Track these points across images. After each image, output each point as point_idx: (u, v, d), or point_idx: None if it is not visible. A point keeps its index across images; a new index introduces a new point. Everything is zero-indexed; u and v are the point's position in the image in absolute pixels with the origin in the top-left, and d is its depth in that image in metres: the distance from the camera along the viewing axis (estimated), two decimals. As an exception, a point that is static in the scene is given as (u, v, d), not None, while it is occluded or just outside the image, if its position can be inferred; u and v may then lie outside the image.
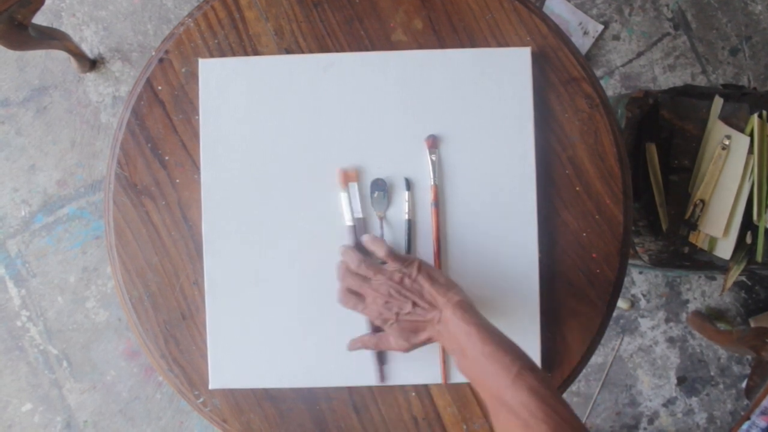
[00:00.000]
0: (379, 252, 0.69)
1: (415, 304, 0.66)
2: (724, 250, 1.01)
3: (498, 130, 0.77)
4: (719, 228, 1.00)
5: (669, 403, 1.46)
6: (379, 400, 0.77)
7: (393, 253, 0.69)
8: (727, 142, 0.99)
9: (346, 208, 0.76)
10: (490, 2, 0.79)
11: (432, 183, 0.76)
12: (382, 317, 0.68)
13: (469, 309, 0.64)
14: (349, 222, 0.76)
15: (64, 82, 1.46)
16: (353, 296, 0.70)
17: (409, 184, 0.76)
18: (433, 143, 0.76)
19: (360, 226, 0.76)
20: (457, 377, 0.76)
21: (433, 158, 0.76)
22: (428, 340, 0.67)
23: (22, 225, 1.45)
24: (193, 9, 0.80)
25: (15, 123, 1.45)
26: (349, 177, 0.76)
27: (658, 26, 1.48)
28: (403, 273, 0.67)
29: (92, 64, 1.45)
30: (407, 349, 0.68)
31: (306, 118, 0.77)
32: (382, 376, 0.76)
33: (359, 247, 0.73)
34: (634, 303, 1.46)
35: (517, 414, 0.57)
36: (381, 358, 0.76)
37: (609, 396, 1.46)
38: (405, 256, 0.69)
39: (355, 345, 0.73)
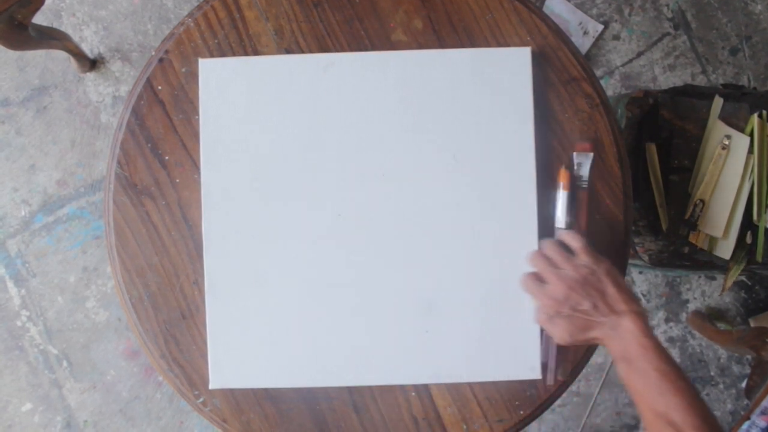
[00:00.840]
0: (574, 243, 0.70)
1: (594, 305, 0.66)
2: (724, 250, 1.01)
3: (498, 130, 0.77)
4: (719, 228, 1.00)
5: (669, 403, 1.46)
6: (379, 400, 0.77)
7: (587, 248, 0.69)
8: (727, 142, 0.99)
9: (561, 208, 0.75)
10: (490, 2, 0.79)
11: (585, 186, 0.76)
12: (557, 307, 0.68)
13: (647, 323, 0.65)
14: (560, 224, 0.75)
15: (64, 82, 1.46)
16: (535, 280, 0.71)
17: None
18: (589, 147, 0.75)
19: (569, 226, 0.75)
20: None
21: (581, 161, 0.75)
22: (593, 341, 0.68)
23: (22, 225, 1.45)
24: (193, 9, 0.80)
25: (15, 123, 1.45)
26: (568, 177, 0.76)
27: (658, 26, 1.48)
28: (591, 269, 0.67)
29: (92, 64, 1.45)
30: (567, 344, 0.69)
31: (306, 117, 0.77)
32: (555, 376, 0.75)
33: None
34: (634, 303, 1.46)
35: None
36: (558, 357, 0.75)
37: (609, 396, 1.46)
38: (597, 255, 0.69)
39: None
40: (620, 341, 0.65)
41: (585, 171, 0.76)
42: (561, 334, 0.68)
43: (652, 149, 1.01)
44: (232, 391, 0.77)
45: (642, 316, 0.65)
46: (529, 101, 0.77)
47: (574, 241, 0.70)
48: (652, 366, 0.62)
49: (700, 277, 1.46)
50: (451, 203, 0.77)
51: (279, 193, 0.77)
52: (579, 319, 0.67)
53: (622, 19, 1.48)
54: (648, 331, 0.64)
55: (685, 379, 0.62)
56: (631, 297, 0.67)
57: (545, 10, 1.46)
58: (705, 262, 1.02)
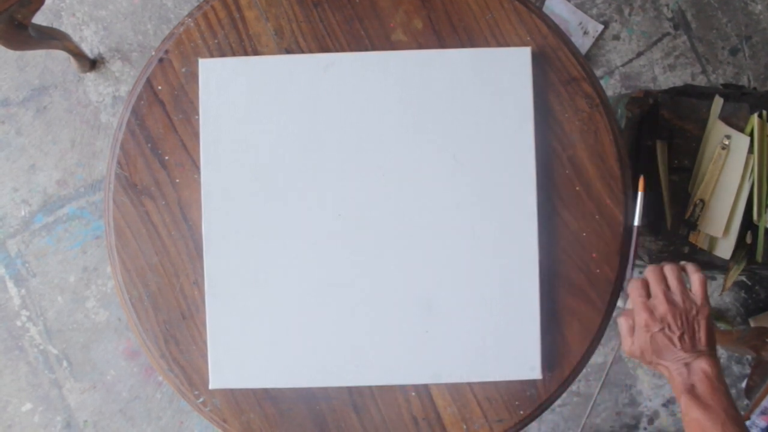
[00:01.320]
0: (694, 275, 0.71)
1: (682, 337, 0.68)
2: (724, 250, 1.00)
3: (498, 130, 0.77)
4: (719, 228, 1.00)
5: (669, 403, 1.46)
6: (379, 400, 0.77)
7: (704, 286, 0.71)
8: (727, 142, 0.99)
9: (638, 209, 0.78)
10: (490, 2, 0.79)
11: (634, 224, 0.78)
12: (648, 321, 0.69)
13: (721, 371, 0.67)
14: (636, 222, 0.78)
15: (64, 82, 1.46)
16: (642, 288, 0.72)
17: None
18: (639, 185, 0.77)
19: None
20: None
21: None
22: (658, 368, 0.70)
23: (22, 225, 1.45)
24: (193, 9, 0.80)
25: (15, 123, 1.45)
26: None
27: (658, 26, 1.48)
28: (697, 306, 0.69)
29: (92, 64, 1.45)
30: (633, 357, 0.70)
31: (306, 117, 0.77)
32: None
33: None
34: (634, 303, 1.46)
35: None
36: None
37: (609, 396, 1.46)
38: (708, 298, 0.71)
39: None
40: (689, 377, 0.67)
41: (635, 210, 0.78)
42: (633, 347, 0.70)
43: (663, 148, 1.01)
44: (232, 391, 0.77)
45: (719, 363, 0.67)
46: (529, 101, 0.77)
47: (694, 273, 0.72)
48: (720, 406, 0.64)
49: (700, 277, 1.46)
50: (451, 203, 0.77)
51: (279, 193, 0.77)
52: (659, 342, 0.69)
53: (622, 19, 1.48)
54: (722, 377, 0.66)
55: (745, 427, 0.64)
56: (714, 346, 0.69)
57: (545, 10, 1.46)
58: (705, 262, 1.02)
